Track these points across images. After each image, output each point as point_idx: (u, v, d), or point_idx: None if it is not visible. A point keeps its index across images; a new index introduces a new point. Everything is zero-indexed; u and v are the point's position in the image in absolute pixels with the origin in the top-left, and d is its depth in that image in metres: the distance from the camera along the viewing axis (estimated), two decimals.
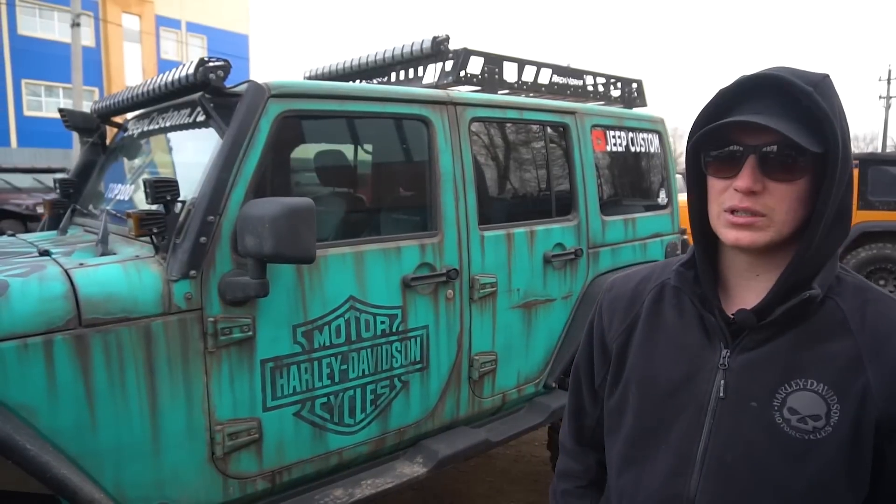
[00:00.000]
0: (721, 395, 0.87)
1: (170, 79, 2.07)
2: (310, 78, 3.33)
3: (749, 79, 0.84)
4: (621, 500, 0.98)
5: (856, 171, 7.41)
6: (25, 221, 10.74)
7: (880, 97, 35.29)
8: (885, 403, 0.79)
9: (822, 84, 0.82)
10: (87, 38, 22.20)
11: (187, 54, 29.39)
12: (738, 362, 0.87)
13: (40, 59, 24.34)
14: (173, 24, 29.27)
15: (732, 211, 0.84)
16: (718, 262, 0.93)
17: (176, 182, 1.80)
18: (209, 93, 1.97)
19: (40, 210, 10.96)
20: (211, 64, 1.92)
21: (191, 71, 1.93)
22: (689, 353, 0.92)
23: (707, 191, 0.90)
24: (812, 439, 0.81)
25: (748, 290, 0.90)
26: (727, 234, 0.85)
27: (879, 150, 29.28)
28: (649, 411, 0.94)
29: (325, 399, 2.10)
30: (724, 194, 0.85)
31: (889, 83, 34.74)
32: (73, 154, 15.53)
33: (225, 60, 1.96)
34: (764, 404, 0.84)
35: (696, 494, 0.87)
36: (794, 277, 0.83)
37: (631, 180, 3.43)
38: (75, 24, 14.01)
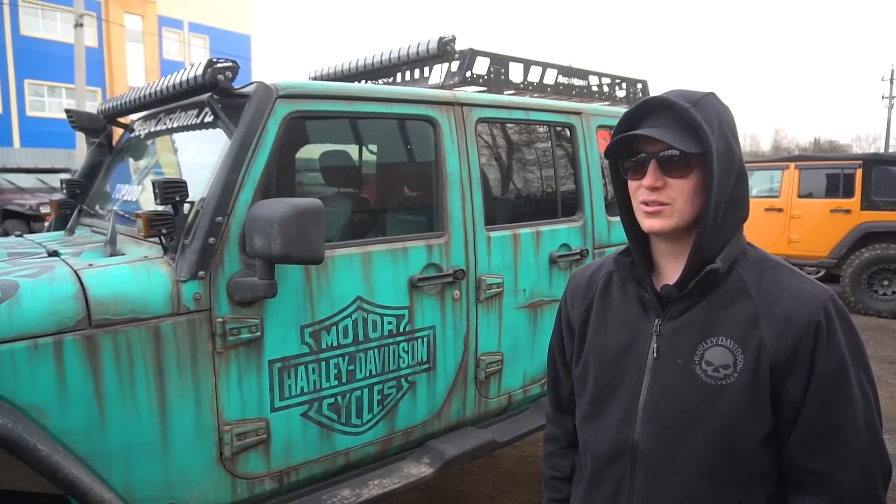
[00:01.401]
0: (655, 356, 1.08)
1: (178, 80, 2.07)
2: (315, 79, 3.34)
3: (646, 101, 1.07)
4: (586, 450, 1.19)
5: (859, 172, 7.42)
6: (29, 221, 10.78)
7: (883, 97, 35.21)
8: (776, 351, 0.99)
9: (701, 101, 1.03)
10: (89, 38, 22.22)
11: (189, 55, 29.42)
12: (667, 328, 1.07)
13: (43, 60, 24.37)
14: (176, 24, 29.28)
15: (646, 203, 1.05)
16: (650, 250, 1.14)
17: (185, 183, 1.80)
18: (217, 94, 1.98)
19: (44, 210, 11.01)
20: (219, 65, 1.92)
21: (199, 72, 1.93)
22: (630, 325, 1.13)
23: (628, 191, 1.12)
24: (723, 384, 1.01)
25: (673, 271, 1.10)
26: (644, 223, 1.07)
27: (882, 151, 29.20)
28: (603, 375, 1.14)
29: (332, 399, 2.10)
30: (637, 191, 1.07)
31: (892, 83, 34.66)
32: (76, 154, 15.56)
33: (233, 61, 1.96)
34: (687, 360, 1.04)
35: (638, 438, 1.08)
36: (700, 256, 1.03)
37: None
38: (78, 25, 14.03)
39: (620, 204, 1.15)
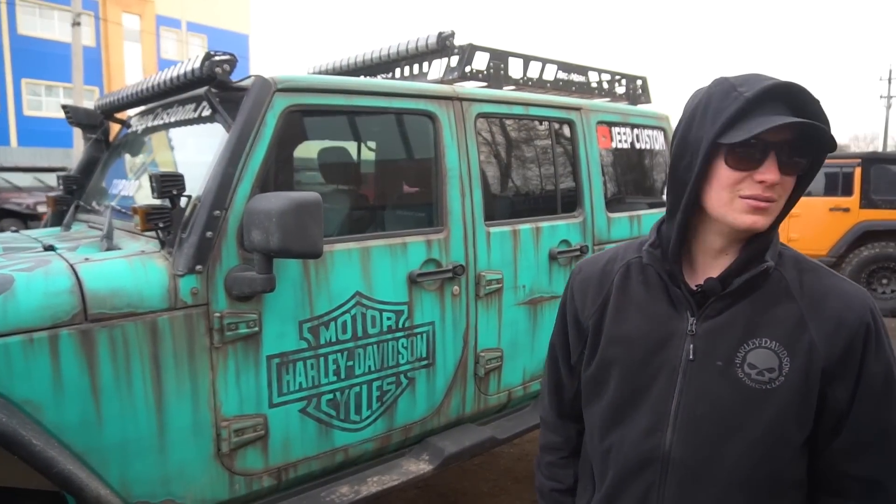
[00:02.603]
0: (691, 357, 1.00)
1: (175, 73, 2.06)
2: (313, 74, 3.32)
3: (773, 86, 0.92)
4: (606, 460, 1.09)
5: (858, 171, 7.42)
6: (26, 220, 10.75)
7: (881, 97, 35.27)
8: (827, 354, 0.95)
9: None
10: (87, 37, 22.17)
11: (187, 54, 29.36)
12: (704, 328, 1.00)
13: (40, 59, 24.30)
14: (173, 23, 29.24)
15: (757, 199, 0.94)
16: (687, 243, 1.05)
17: (182, 177, 1.78)
18: (215, 87, 1.96)
19: (41, 209, 10.98)
20: (217, 58, 1.91)
21: (197, 65, 1.92)
22: (658, 322, 1.04)
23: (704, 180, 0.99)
24: (768, 388, 0.96)
25: (712, 267, 1.03)
26: (745, 219, 0.95)
27: (880, 150, 29.25)
28: (628, 378, 1.05)
29: (331, 395, 2.08)
30: (740, 184, 0.95)
31: (890, 83, 34.72)
32: (73, 153, 15.52)
33: (231, 54, 1.94)
34: (727, 362, 0.98)
35: (671, 446, 1.00)
36: (752, 252, 0.99)
37: (636, 177, 3.42)
38: (76, 24, 13.99)
39: (691, 192, 0.99)
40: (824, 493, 1.01)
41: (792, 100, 0.94)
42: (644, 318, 1.05)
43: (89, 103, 3.42)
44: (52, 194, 2.90)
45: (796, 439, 0.97)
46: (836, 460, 0.98)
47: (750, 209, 0.95)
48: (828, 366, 0.95)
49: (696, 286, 1.01)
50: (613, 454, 1.07)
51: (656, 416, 1.01)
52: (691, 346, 1.00)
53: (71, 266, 1.69)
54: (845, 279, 1.02)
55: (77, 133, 13.98)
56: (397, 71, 3.10)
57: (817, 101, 0.93)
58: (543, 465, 1.27)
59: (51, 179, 12.13)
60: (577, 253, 2.82)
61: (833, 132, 0.93)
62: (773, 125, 0.90)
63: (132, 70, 27.15)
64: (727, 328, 0.99)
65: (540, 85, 3.10)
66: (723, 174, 0.96)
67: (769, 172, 0.93)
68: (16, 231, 2.61)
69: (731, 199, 0.96)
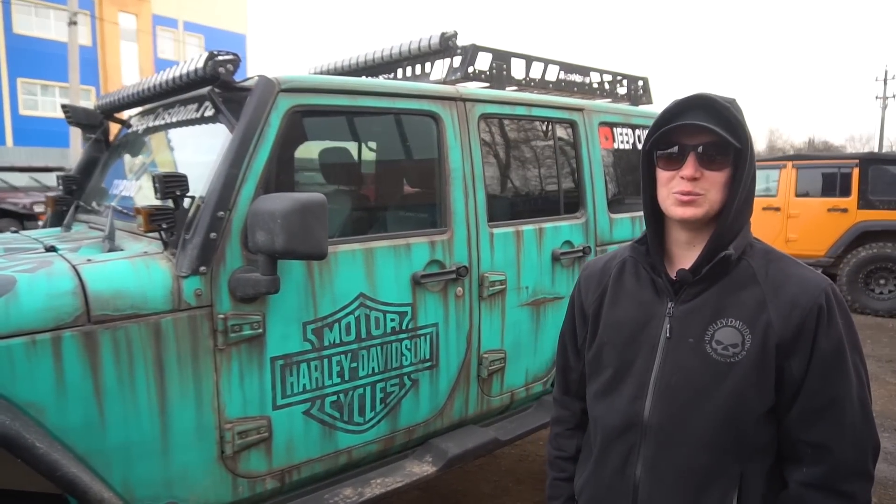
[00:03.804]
0: (668, 335, 1.16)
1: (177, 73, 2.04)
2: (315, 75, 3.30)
3: (686, 99, 1.14)
4: (597, 425, 1.26)
5: (856, 171, 7.44)
6: (23, 220, 10.69)
7: (877, 97, 35.36)
8: (782, 331, 1.08)
9: (734, 103, 1.13)
10: (83, 36, 22.11)
11: (184, 54, 29.28)
12: (680, 311, 1.16)
13: (36, 58, 24.21)
14: (170, 23, 29.15)
15: (682, 193, 1.12)
16: (665, 239, 1.23)
17: (185, 177, 1.77)
18: (219, 87, 1.95)
19: (37, 209, 10.88)
20: (220, 57, 1.89)
21: (200, 65, 1.90)
22: (644, 307, 1.21)
23: (655, 182, 1.19)
24: (732, 361, 1.10)
25: (686, 259, 1.18)
26: (675, 211, 1.14)
27: (876, 150, 29.31)
28: (617, 354, 1.22)
29: (334, 397, 2.07)
30: (671, 182, 1.14)
31: (886, 84, 34.83)
32: (69, 153, 15.46)
33: (234, 54, 1.93)
34: (698, 339, 1.13)
35: (649, 412, 1.15)
36: (715, 244, 1.13)
37: (638, 178, 3.41)
38: (72, 23, 13.93)
39: (645, 194, 1.22)
40: (785, 460, 1.14)
41: (711, 109, 1.11)
42: (633, 305, 1.23)
43: (86, 103, 3.39)
44: (51, 194, 2.87)
45: (757, 408, 1.09)
46: (792, 427, 1.11)
47: (679, 202, 1.13)
48: (782, 342, 1.08)
49: (675, 276, 1.17)
50: (602, 420, 1.24)
51: (638, 387, 1.17)
52: (668, 325, 1.16)
53: (73, 267, 1.67)
54: (809, 268, 1.15)
55: (74, 133, 13.94)
56: (399, 71, 3.09)
57: (727, 108, 1.10)
58: (552, 436, 1.46)
59: (47, 179, 12.07)
60: (580, 254, 2.82)
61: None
62: (673, 125, 1.10)
63: (129, 70, 27.06)
64: (699, 310, 1.14)
65: (542, 86, 3.09)
66: (659, 175, 1.17)
67: (686, 169, 1.11)
68: (16, 231, 2.59)
69: (668, 194, 1.15)
